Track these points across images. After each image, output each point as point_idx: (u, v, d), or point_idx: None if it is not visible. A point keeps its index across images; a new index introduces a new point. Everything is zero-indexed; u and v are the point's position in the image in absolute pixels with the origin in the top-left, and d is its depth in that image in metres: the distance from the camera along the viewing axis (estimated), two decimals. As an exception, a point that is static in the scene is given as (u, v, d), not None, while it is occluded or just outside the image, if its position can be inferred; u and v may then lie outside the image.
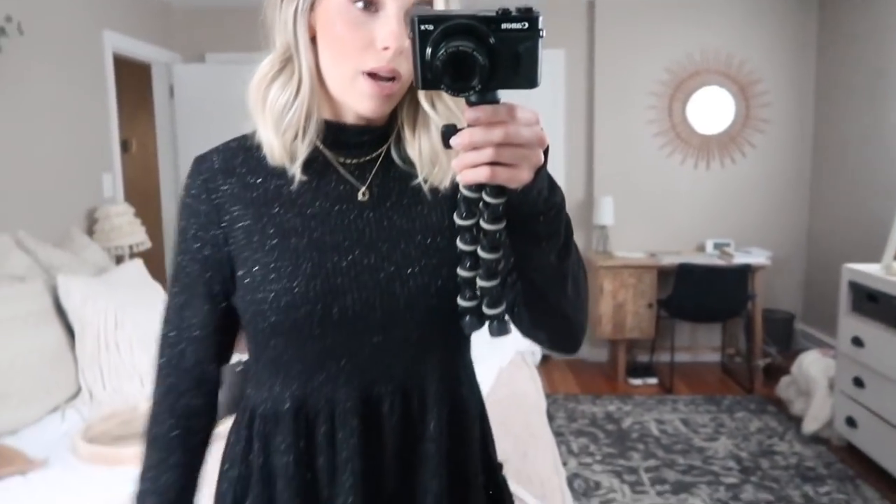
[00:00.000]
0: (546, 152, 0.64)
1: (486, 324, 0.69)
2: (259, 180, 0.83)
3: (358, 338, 0.80)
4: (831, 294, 4.01)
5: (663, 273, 4.11)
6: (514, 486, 1.44)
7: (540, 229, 0.70)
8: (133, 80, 4.50)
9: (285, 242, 0.80)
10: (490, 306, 0.68)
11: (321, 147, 0.83)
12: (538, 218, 0.68)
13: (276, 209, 0.82)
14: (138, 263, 2.76)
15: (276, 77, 0.81)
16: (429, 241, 0.83)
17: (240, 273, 0.82)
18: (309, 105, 0.80)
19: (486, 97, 0.59)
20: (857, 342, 2.96)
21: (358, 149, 0.84)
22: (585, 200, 4.48)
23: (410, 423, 0.83)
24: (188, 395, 0.87)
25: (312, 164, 0.82)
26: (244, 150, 0.85)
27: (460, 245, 0.67)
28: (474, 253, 0.67)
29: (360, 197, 0.83)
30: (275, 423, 0.82)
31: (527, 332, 0.84)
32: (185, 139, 4.34)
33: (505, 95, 0.60)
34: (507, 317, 0.70)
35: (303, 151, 0.80)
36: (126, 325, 2.26)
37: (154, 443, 0.88)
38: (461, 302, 0.70)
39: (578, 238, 4.46)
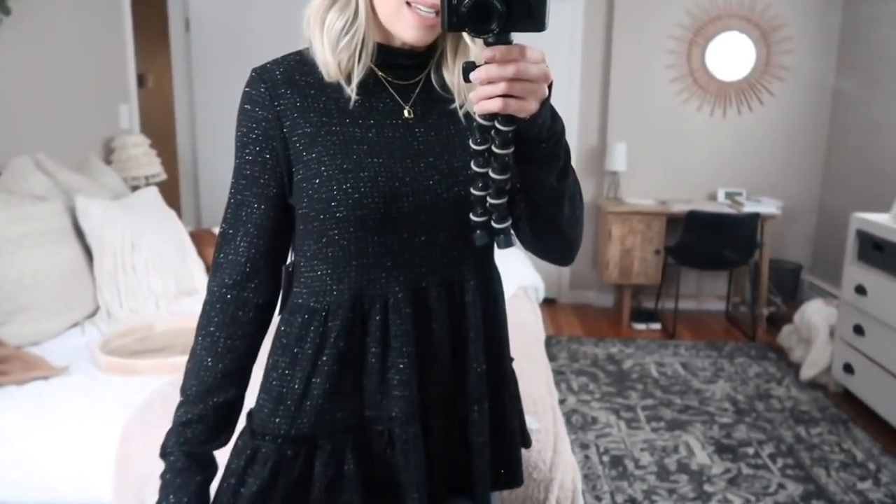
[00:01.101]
0: (550, 87, 0.74)
1: (494, 237, 0.81)
2: (316, 92, 0.91)
3: (410, 236, 0.90)
4: (840, 246, 4.02)
5: (672, 220, 4.13)
6: (507, 403, 1.52)
7: (542, 154, 0.80)
8: (151, 14, 4.49)
9: (347, 148, 0.88)
10: (498, 221, 0.80)
11: (374, 68, 0.92)
12: (541, 144, 0.79)
13: (335, 120, 0.90)
14: (154, 191, 2.83)
15: (333, 2, 0.89)
16: (468, 156, 0.91)
17: (301, 176, 0.89)
18: (365, 31, 0.89)
19: (501, 39, 0.68)
20: (861, 290, 2.99)
21: (404, 71, 0.93)
22: (598, 146, 4.47)
23: (454, 312, 0.94)
24: (241, 287, 0.93)
25: (365, 83, 0.91)
26: (302, 64, 0.92)
27: (474, 167, 0.77)
28: (486, 174, 0.77)
29: (406, 114, 0.92)
30: (328, 316, 0.90)
31: (528, 245, 0.96)
32: (200, 75, 4.36)
33: (518, 38, 0.70)
34: (512, 231, 0.81)
35: (359, 73, 0.89)
36: (142, 248, 2.34)
37: (204, 333, 0.94)
38: (473, 217, 0.81)
39: (590, 184, 4.47)
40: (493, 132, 0.74)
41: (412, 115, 0.93)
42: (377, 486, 0.94)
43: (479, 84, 0.70)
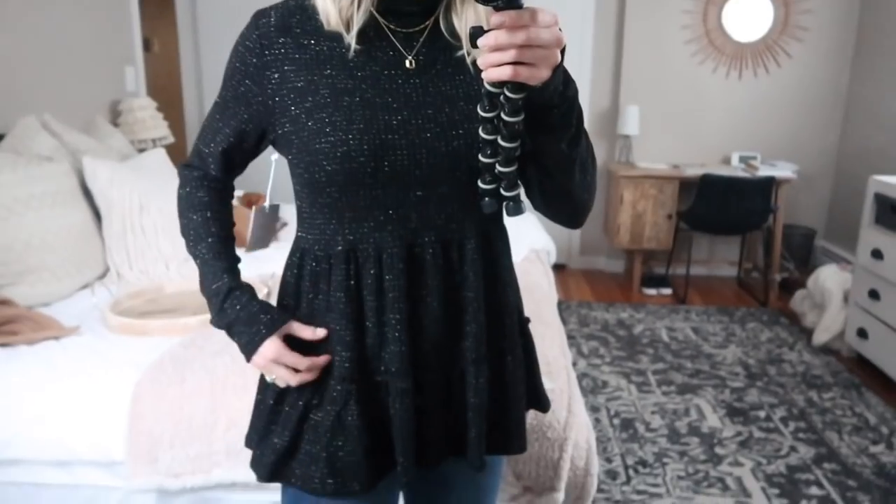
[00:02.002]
0: (563, 52, 0.71)
1: (503, 204, 0.79)
2: (312, 42, 0.88)
3: (404, 191, 0.88)
4: (856, 211, 3.97)
5: (685, 185, 4.07)
6: (520, 363, 1.50)
7: (554, 121, 0.78)
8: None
9: (339, 100, 0.86)
10: (507, 189, 0.78)
11: (375, 14, 0.89)
12: (553, 111, 0.76)
13: (329, 70, 0.87)
14: (161, 153, 2.80)
15: None
16: (471, 107, 0.89)
17: (289, 129, 0.89)
18: None
19: (511, 3, 0.65)
20: (877, 255, 2.94)
21: (408, 17, 0.90)
22: (611, 109, 4.39)
23: (451, 272, 0.92)
24: (209, 187, 1.01)
25: (365, 31, 0.88)
26: (301, 10, 0.90)
27: (482, 134, 0.75)
28: (494, 141, 0.75)
29: (407, 64, 0.89)
30: (327, 263, 0.91)
31: (538, 206, 0.94)
32: (206, 39, 4.29)
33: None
34: (521, 199, 0.79)
35: (359, 20, 0.87)
36: (151, 209, 2.32)
37: (187, 210, 1.01)
38: (481, 185, 0.80)
39: (601, 148, 4.41)
40: (502, 99, 0.71)
41: (413, 66, 0.90)
42: (378, 439, 0.95)
43: (488, 51, 0.67)
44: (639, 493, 2.17)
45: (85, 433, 1.48)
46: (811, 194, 4.38)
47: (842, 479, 2.26)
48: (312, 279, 0.94)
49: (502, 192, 0.78)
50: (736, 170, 4.06)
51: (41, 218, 2.04)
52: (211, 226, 1.00)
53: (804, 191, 4.36)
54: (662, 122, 4.33)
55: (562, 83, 0.74)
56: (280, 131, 0.91)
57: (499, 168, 0.77)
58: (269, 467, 0.96)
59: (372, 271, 0.90)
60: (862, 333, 3.05)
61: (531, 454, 1.35)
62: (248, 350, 0.95)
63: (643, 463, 2.33)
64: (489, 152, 0.77)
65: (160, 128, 3.47)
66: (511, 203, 0.79)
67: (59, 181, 2.14)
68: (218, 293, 0.96)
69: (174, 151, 3.63)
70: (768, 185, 3.77)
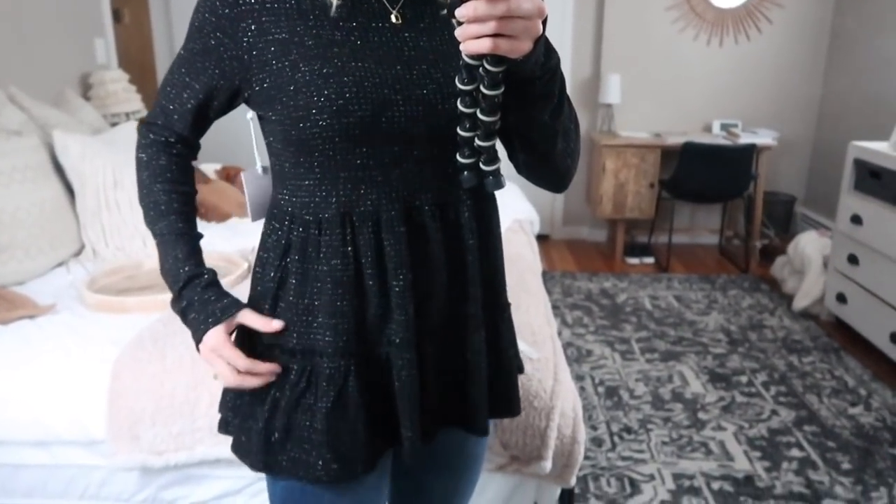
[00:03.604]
0: (544, 22, 0.68)
1: (483, 179, 0.77)
2: None
3: (402, 149, 0.84)
4: (836, 177, 3.99)
5: (667, 153, 4.07)
6: (506, 332, 1.49)
7: (535, 91, 0.76)
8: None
9: (327, 52, 0.81)
10: (487, 164, 0.76)
11: None
12: (535, 82, 0.74)
13: (312, 21, 0.82)
14: (135, 126, 2.73)
15: None
16: None
17: (270, 84, 0.83)
18: None
19: None
20: (856, 220, 2.97)
21: None
22: (592, 78, 4.36)
23: (450, 234, 0.89)
24: (173, 153, 0.94)
25: None
26: None
27: (461, 107, 0.73)
28: (473, 115, 0.72)
29: (393, 19, 0.85)
30: (317, 229, 0.86)
31: (520, 171, 0.92)
32: (178, 10, 4.18)
33: None
34: (501, 173, 0.77)
35: None
36: (125, 184, 2.26)
37: (148, 179, 0.93)
38: (460, 159, 0.77)
39: (583, 117, 4.38)
40: (481, 71, 0.69)
41: (400, 20, 0.85)
42: (378, 415, 0.91)
43: (466, 22, 0.65)
44: (624, 459, 2.19)
45: (64, 412, 1.45)
46: (791, 161, 4.40)
47: (822, 440, 2.30)
48: (300, 247, 0.87)
49: (482, 166, 0.76)
50: (717, 138, 4.06)
51: (11, 194, 1.98)
52: (174, 201, 0.93)
53: (784, 158, 4.37)
54: (644, 91, 4.30)
55: (543, 54, 0.72)
56: (257, 87, 0.84)
57: (478, 142, 0.75)
58: (262, 455, 0.90)
59: (370, 236, 0.85)
60: (841, 298, 3.09)
61: (518, 423, 1.35)
62: (196, 339, 0.90)
63: (628, 429, 2.35)
64: (468, 126, 0.74)
65: (133, 101, 3.38)
66: (491, 178, 0.77)
67: (28, 156, 2.07)
68: (178, 279, 0.91)
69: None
70: (749, 153, 3.77)
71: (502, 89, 0.70)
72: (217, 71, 0.86)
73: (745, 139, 3.92)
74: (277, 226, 0.90)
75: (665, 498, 2.00)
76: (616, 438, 2.30)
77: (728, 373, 2.77)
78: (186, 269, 0.91)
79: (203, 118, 0.92)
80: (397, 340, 0.87)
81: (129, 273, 2.09)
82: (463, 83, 0.71)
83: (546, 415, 1.35)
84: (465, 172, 0.77)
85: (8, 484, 1.51)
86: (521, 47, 0.66)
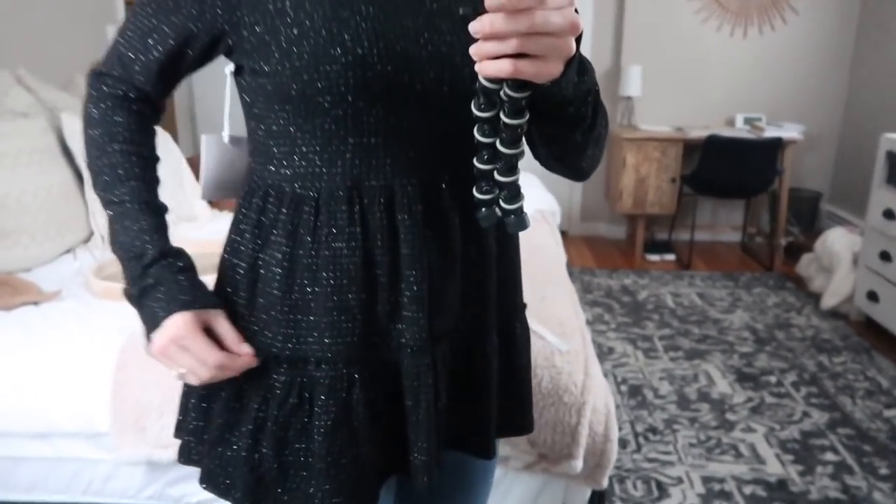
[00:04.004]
0: (578, 39, 0.56)
1: (504, 218, 0.64)
2: None
3: (423, 116, 0.71)
4: (863, 172, 3.87)
5: (689, 147, 3.96)
6: (534, 325, 1.41)
7: (566, 116, 0.64)
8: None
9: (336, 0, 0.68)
10: (509, 201, 0.62)
11: None
12: (566, 108, 0.63)
13: None
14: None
15: None
16: None
17: (265, 27, 0.68)
18: None
19: None
20: (889, 215, 2.85)
21: None
22: (612, 70, 4.26)
23: (468, 220, 0.75)
24: (133, 109, 0.76)
25: None
26: None
27: (478, 136, 0.61)
28: (493, 145, 0.60)
29: None
30: (313, 206, 0.72)
31: (541, 164, 0.80)
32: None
33: None
34: (525, 211, 0.63)
35: None
36: (135, 170, 2.19)
37: (101, 139, 0.76)
38: (477, 194, 0.64)
39: (602, 110, 4.27)
40: (501, 95, 0.56)
41: None
42: (383, 431, 0.78)
43: (482, 38, 0.52)
44: (650, 460, 2.09)
45: (66, 402, 1.37)
46: (817, 156, 4.28)
47: (857, 444, 2.19)
48: (289, 229, 0.73)
49: (502, 203, 0.63)
50: (741, 131, 3.95)
51: (16, 177, 1.91)
52: (136, 165, 0.75)
53: (810, 153, 4.25)
54: (665, 83, 4.20)
55: (576, 72, 0.59)
56: (246, 32, 0.69)
57: (498, 177, 0.62)
58: (249, 490, 0.75)
59: (380, 215, 0.71)
60: (872, 296, 2.97)
61: (547, 420, 1.26)
62: (151, 323, 0.72)
63: (653, 430, 2.26)
64: (486, 157, 0.61)
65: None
66: (513, 217, 0.63)
67: (35, 139, 2.01)
68: (141, 256, 0.73)
69: (160, 115, 3.49)
70: (775, 147, 3.66)
71: (526, 117, 0.58)
72: (195, 11, 0.70)
73: (769, 133, 3.80)
74: (259, 203, 0.75)
75: (694, 502, 1.90)
76: (641, 439, 2.20)
77: (756, 372, 2.66)
78: (156, 242, 0.74)
79: (172, 72, 0.75)
80: (411, 343, 0.74)
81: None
82: (480, 109, 0.59)
83: (577, 411, 1.26)
84: (483, 209, 0.64)
85: (8, 478, 1.43)
86: (549, 70, 0.54)
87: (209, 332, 0.74)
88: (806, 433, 2.25)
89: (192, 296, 0.73)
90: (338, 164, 0.71)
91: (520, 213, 0.63)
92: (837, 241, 3.29)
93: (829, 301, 3.23)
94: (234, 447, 0.75)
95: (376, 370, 0.75)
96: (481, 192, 0.64)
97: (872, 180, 3.01)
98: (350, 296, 0.72)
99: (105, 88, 0.76)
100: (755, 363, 2.74)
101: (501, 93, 0.56)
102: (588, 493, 1.38)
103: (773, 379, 2.61)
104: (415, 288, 0.73)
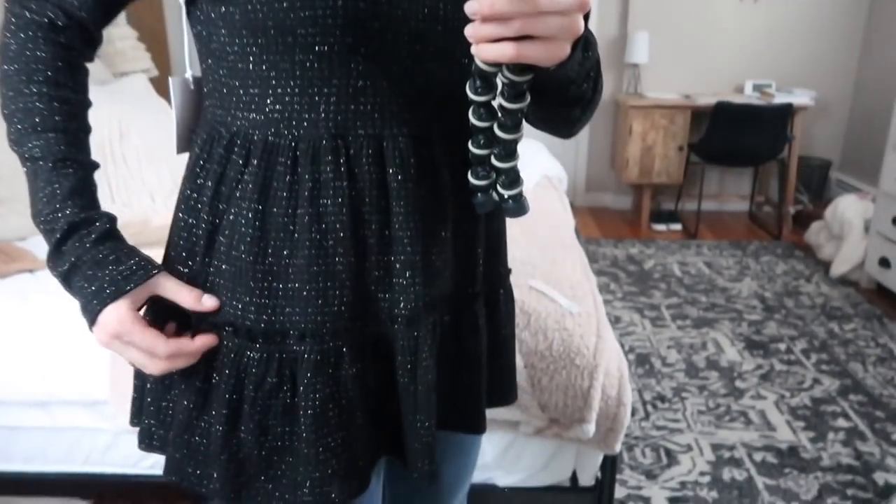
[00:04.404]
0: (587, 15, 0.52)
1: (502, 203, 0.60)
2: None
3: (419, 58, 0.63)
4: (875, 139, 3.80)
5: (697, 115, 3.88)
6: (543, 287, 1.36)
7: (568, 95, 0.60)
8: None
9: None
10: (507, 187, 0.59)
11: None
12: (568, 87, 0.58)
13: None
14: (143, 78, 2.61)
15: None
16: None
17: None
18: None
19: None
20: (903, 180, 2.79)
21: None
22: (618, 36, 4.16)
23: (460, 179, 0.67)
24: (59, 42, 0.64)
25: None
26: None
27: (473, 120, 0.56)
28: (490, 129, 0.56)
29: None
30: (292, 156, 0.62)
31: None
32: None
33: None
34: (524, 195, 0.59)
35: None
36: (132, 136, 2.14)
37: (17, 77, 0.63)
38: (472, 180, 0.60)
39: (608, 78, 4.19)
40: (500, 78, 0.52)
41: None
42: (374, 410, 0.71)
43: (480, 20, 0.47)
44: (659, 428, 2.06)
45: (64, 370, 1.34)
46: (827, 124, 4.20)
47: (869, 410, 2.16)
48: (259, 184, 0.63)
49: (500, 189, 0.59)
50: (750, 98, 3.87)
51: (10, 144, 1.86)
52: (57, 111, 0.63)
53: (820, 120, 4.17)
54: (673, 50, 4.11)
55: (581, 50, 0.54)
56: None
57: (496, 162, 0.58)
58: (229, 481, 0.67)
59: (368, 168, 0.63)
60: (884, 263, 2.92)
61: (558, 383, 1.22)
62: (87, 314, 0.62)
63: (662, 398, 2.23)
64: (482, 142, 0.57)
65: (142, 59, 3.25)
66: (511, 202, 0.59)
67: (28, 104, 1.95)
68: (54, 226, 0.62)
69: (158, 85, 3.43)
70: (785, 113, 3.58)
71: (527, 101, 0.54)
72: None
73: (779, 99, 3.72)
74: (221, 153, 0.65)
75: (704, 469, 1.87)
76: (650, 407, 2.17)
77: (765, 340, 2.63)
78: (68, 211, 0.62)
79: None
80: (405, 313, 0.66)
81: (135, 229, 1.97)
82: (476, 93, 0.54)
83: (589, 374, 1.22)
84: (479, 195, 0.60)
85: (6, 449, 1.41)
86: (556, 53, 0.49)
87: (161, 306, 0.66)
88: (817, 400, 2.22)
89: (119, 274, 0.62)
90: (320, 109, 0.61)
91: (519, 198, 0.59)
92: (849, 209, 3.23)
93: (839, 268, 3.18)
94: (206, 433, 0.67)
95: (365, 343, 0.68)
96: (477, 178, 0.60)
97: (886, 144, 2.94)
98: (337, 259, 0.63)
99: (27, 14, 0.63)
100: (764, 331, 2.70)
101: (499, 77, 0.52)
102: (600, 459, 1.35)
103: (782, 346, 2.57)
104: (409, 250, 0.65)
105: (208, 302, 0.65)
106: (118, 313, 0.61)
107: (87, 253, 0.62)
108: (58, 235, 0.62)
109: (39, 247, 1.81)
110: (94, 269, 0.62)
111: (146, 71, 3.25)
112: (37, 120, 0.63)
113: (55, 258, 0.63)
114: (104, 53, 3.05)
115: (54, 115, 0.63)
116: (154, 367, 0.63)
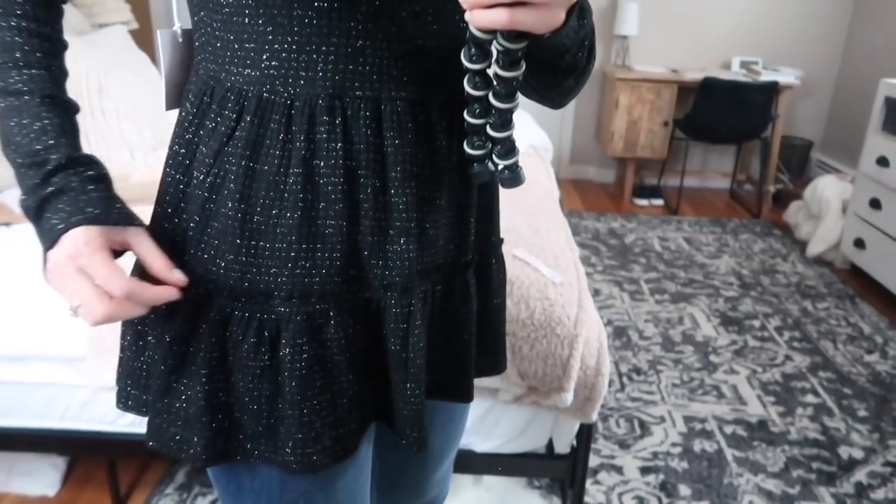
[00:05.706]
0: None
1: (497, 173, 0.60)
2: None
3: (418, 19, 0.61)
4: (857, 120, 3.84)
5: (683, 90, 3.88)
6: (527, 256, 1.37)
7: (562, 64, 0.60)
8: None
9: None
10: (502, 157, 0.59)
11: None
12: (563, 55, 0.58)
13: None
14: (122, 30, 2.53)
15: None
16: None
17: None
18: None
19: None
20: (883, 162, 2.83)
21: None
22: (608, 6, 4.13)
23: (456, 147, 0.67)
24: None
25: None
26: None
27: (468, 89, 0.56)
28: (485, 98, 0.56)
29: None
30: (286, 114, 0.60)
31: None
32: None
33: None
34: (520, 166, 0.60)
35: None
36: (111, 90, 2.09)
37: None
38: (468, 149, 0.61)
39: (597, 50, 4.16)
40: (495, 46, 0.51)
41: None
42: (363, 375, 0.70)
43: None
44: (633, 399, 2.10)
45: (41, 325, 1.32)
46: (811, 104, 4.23)
47: (837, 387, 2.22)
48: (249, 142, 0.61)
49: (495, 158, 0.59)
50: (737, 75, 3.87)
51: (-15, 93, 1.81)
52: (37, 48, 0.60)
53: (804, 100, 4.20)
54: (662, 23, 4.08)
55: (576, 16, 0.54)
56: None
57: (491, 132, 0.58)
58: (207, 445, 0.65)
59: (366, 131, 0.61)
60: (859, 243, 2.97)
61: (538, 352, 1.24)
62: (48, 240, 0.58)
63: (637, 370, 2.26)
64: (478, 111, 0.58)
65: (122, 11, 3.15)
66: (506, 171, 0.59)
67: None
68: (43, 162, 0.59)
69: (138, 38, 3.34)
70: (771, 91, 3.59)
71: (523, 69, 0.53)
72: None
73: (766, 77, 3.73)
74: (216, 108, 0.62)
75: (676, 440, 1.92)
76: (625, 379, 2.21)
77: (740, 316, 2.67)
78: (63, 149, 0.60)
79: None
80: (398, 280, 0.65)
81: (116, 185, 1.94)
82: (471, 61, 0.54)
83: (569, 343, 1.23)
84: (475, 164, 0.61)
85: (-19, 401, 1.40)
86: (550, 20, 0.49)
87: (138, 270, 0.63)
88: (788, 376, 2.27)
89: (103, 210, 0.59)
90: (317, 68, 0.59)
91: (514, 168, 0.59)
92: (828, 189, 3.27)
93: (815, 248, 3.23)
94: (185, 396, 0.65)
95: (355, 308, 0.66)
96: (473, 148, 0.60)
97: (868, 126, 2.97)
98: (328, 222, 0.62)
99: None
100: (740, 307, 2.75)
101: (494, 44, 0.52)
102: (576, 427, 1.37)
103: (756, 323, 2.62)
104: (404, 216, 0.64)
105: (177, 275, 0.62)
106: (85, 235, 0.57)
107: (80, 186, 0.59)
108: (50, 167, 0.58)
109: (15, 199, 1.77)
110: (80, 199, 0.58)
111: (126, 23, 3.16)
112: (17, 55, 0.59)
113: (39, 185, 0.58)
114: (83, 3, 2.96)
115: (35, 52, 0.60)
116: (98, 308, 0.57)
